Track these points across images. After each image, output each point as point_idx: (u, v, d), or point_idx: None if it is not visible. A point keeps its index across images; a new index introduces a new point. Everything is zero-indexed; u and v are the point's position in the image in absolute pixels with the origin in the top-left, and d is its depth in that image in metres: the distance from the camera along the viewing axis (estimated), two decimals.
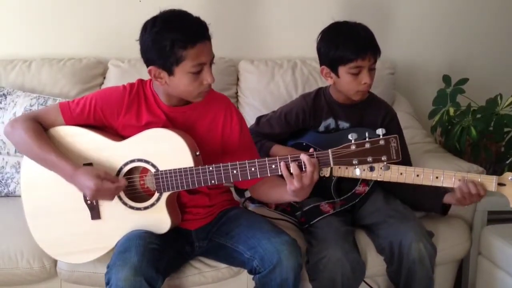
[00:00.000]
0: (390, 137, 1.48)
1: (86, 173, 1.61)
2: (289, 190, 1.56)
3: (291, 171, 1.54)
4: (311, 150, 1.56)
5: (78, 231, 1.73)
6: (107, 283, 1.57)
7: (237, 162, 1.59)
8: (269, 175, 1.58)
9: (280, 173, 1.56)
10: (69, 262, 1.81)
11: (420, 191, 1.83)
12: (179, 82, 1.63)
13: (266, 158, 1.58)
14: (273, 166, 1.57)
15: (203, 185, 1.63)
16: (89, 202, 1.70)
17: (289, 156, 1.55)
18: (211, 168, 1.61)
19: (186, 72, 1.60)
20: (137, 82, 1.77)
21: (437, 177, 1.74)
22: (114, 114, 1.72)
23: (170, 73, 1.61)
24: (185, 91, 1.66)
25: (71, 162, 1.65)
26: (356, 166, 1.52)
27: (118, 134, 1.74)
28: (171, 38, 1.57)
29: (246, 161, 1.59)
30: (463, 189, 1.71)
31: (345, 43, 1.86)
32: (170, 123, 1.73)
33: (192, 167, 1.62)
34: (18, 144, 1.73)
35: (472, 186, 1.70)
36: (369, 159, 1.50)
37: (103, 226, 1.72)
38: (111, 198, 1.66)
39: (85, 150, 1.70)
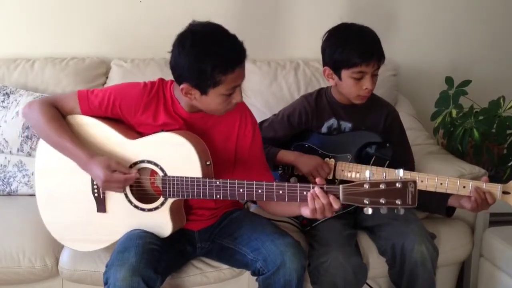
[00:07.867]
0: (408, 180, 1.40)
1: (98, 163, 1.61)
2: (304, 212, 1.54)
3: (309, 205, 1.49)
4: (318, 181, 1.50)
5: (83, 220, 1.74)
6: (105, 283, 1.58)
7: (245, 181, 1.56)
8: (275, 200, 1.55)
9: (286, 201, 1.54)
10: (74, 249, 1.81)
11: (425, 192, 1.80)
12: (211, 101, 1.62)
13: (274, 183, 1.54)
14: (280, 192, 1.53)
15: (208, 198, 1.60)
16: (96, 194, 1.71)
17: (312, 187, 1.49)
18: (217, 183, 1.58)
19: (219, 94, 1.60)
20: (158, 81, 1.74)
21: (441, 183, 1.74)
22: (132, 111, 1.71)
23: (204, 93, 1.60)
24: (214, 109, 1.66)
25: (86, 150, 1.64)
26: (367, 206, 1.44)
27: (133, 130, 1.73)
28: (212, 63, 1.53)
29: (254, 182, 1.55)
30: (477, 199, 1.70)
31: (351, 47, 1.84)
32: (187, 127, 1.71)
33: (200, 178, 1.60)
34: (35, 126, 1.74)
35: (489, 196, 1.70)
36: (382, 201, 1.42)
37: (107, 219, 1.72)
38: (121, 189, 1.65)
39: (98, 143, 1.70)
